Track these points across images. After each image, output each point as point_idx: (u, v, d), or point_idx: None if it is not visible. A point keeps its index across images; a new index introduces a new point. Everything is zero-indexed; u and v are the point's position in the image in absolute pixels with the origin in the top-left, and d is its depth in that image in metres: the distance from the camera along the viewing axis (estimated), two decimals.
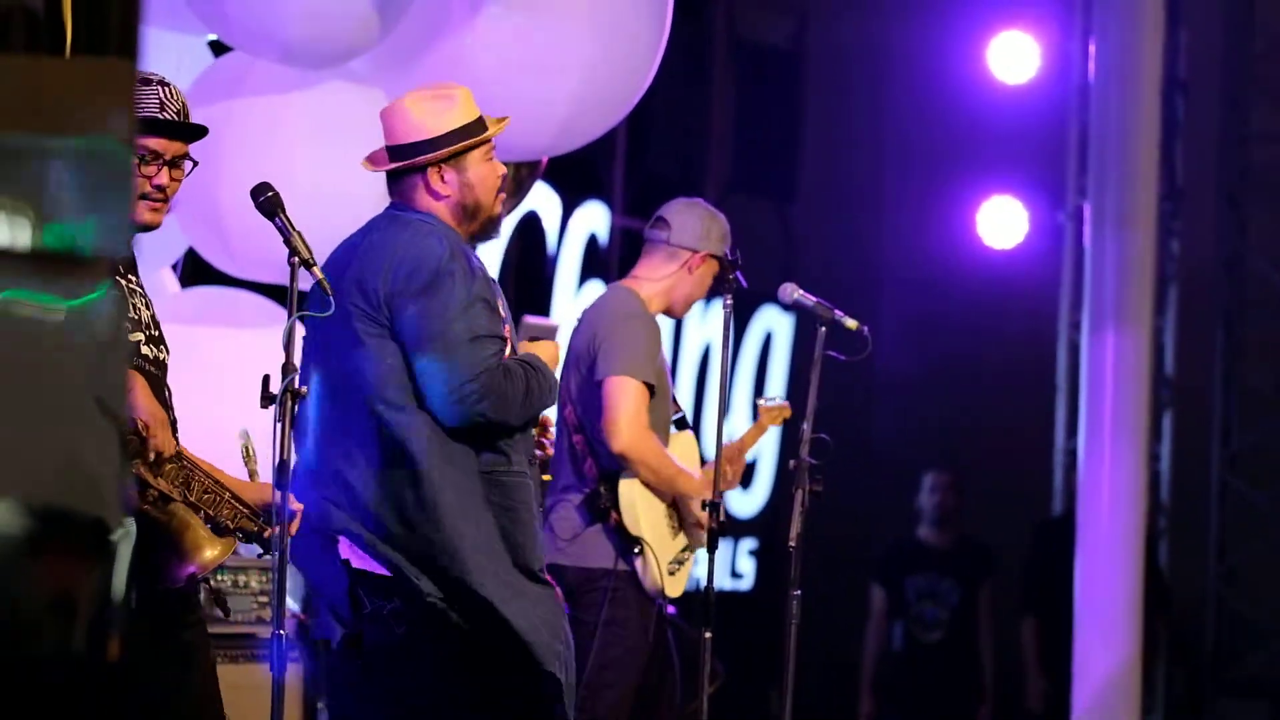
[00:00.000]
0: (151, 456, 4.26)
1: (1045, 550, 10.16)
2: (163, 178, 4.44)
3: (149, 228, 4.47)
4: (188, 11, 6.07)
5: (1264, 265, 10.90)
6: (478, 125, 4.92)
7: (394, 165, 4.92)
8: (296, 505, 4.60)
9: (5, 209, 2.50)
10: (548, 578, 4.89)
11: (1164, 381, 10.74)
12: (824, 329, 5.92)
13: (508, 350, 4.85)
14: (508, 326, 4.90)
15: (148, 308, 4.50)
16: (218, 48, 6.47)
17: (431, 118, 4.88)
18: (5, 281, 2.39)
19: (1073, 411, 10.55)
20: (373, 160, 5.00)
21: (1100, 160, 9.15)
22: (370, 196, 6.32)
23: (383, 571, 4.73)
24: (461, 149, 4.88)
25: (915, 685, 10.07)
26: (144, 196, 4.41)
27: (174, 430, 4.42)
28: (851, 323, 5.95)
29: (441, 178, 4.89)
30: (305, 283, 4.70)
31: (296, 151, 6.14)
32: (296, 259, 4.69)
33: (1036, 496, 11.09)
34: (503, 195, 5.00)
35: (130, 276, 4.47)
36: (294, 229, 4.72)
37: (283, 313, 4.81)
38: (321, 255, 4.81)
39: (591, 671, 5.96)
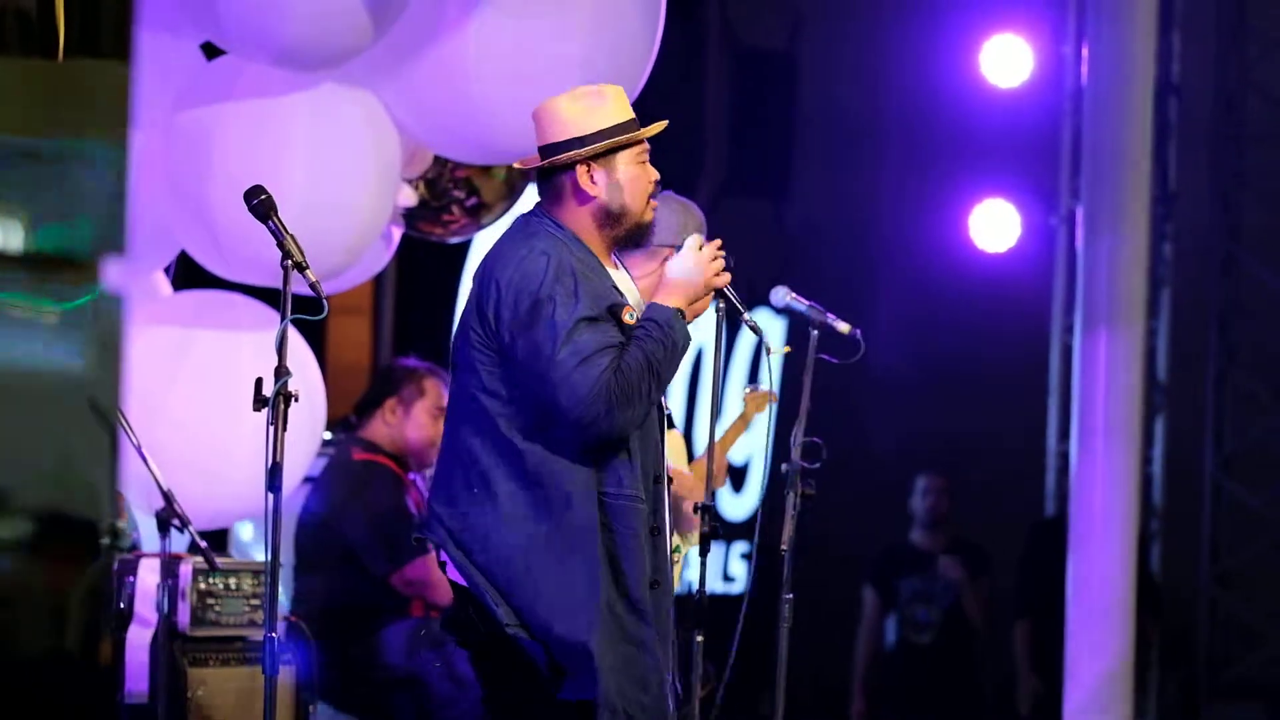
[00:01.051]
0: None
1: (1038, 552, 10.15)
2: None
3: None
4: (180, 14, 6.06)
5: (1256, 268, 10.91)
6: (631, 125, 4.80)
7: (543, 163, 4.76)
8: None
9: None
10: (644, 608, 4.70)
11: (1156, 384, 10.74)
12: (816, 332, 5.92)
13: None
14: (628, 307, 4.72)
15: None
16: (210, 50, 6.47)
17: (582, 115, 4.74)
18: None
19: (1065, 414, 10.54)
20: (524, 162, 4.87)
21: (1093, 163, 9.15)
22: (363, 200, 6.35)
23: (468, 587, 4.67)
24: (612, 146, 4.75)
25: (908, 687, 10.08)
26: None
27: None
28: (843, 326, 5.93)
29: (591, 178, 4.74)
30: (298, 285, 4.70)
31: (289, 154, 6.13)
32: (289, 262, 4.70)
33: (1029, 499, 11.09)
34: (654, 203, 4.86)
35: None
36: (287, 232, 4.73)
37: (275, 316, 4.81)
38: (314, 258, 4.81)
39: None
